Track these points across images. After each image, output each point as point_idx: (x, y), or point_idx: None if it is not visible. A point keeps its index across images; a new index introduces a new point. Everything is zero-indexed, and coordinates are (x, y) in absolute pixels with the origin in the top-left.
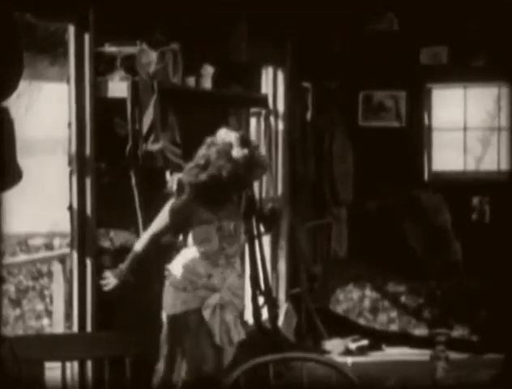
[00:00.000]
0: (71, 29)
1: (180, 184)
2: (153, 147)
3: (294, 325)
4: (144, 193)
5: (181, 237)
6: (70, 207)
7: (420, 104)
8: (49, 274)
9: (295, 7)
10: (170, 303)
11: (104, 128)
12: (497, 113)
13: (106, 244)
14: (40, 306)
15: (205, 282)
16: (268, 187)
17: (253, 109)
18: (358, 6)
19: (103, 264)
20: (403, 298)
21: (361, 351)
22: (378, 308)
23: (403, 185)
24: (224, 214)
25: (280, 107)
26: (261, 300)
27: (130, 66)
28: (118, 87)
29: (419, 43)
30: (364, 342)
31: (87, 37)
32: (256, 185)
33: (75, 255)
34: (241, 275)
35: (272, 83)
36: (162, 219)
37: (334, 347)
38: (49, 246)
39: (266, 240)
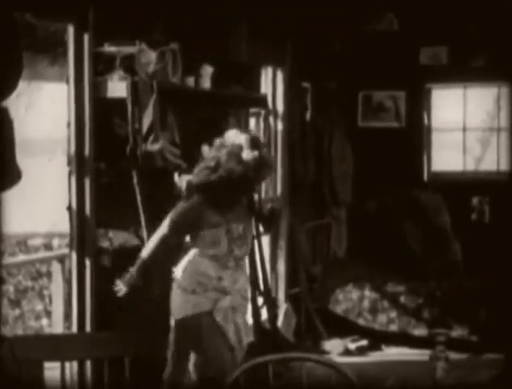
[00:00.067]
0: (71, 29)
1: (189, 186)
2: (152, 147)
3: (293, 325)
4: (145, 193)
5: (188, 239)
6: (69, 208)
7: (419, 105)
8: (49, 274)
9: (295, 7)
10: (180, 306)
11: (103, 128)
12: (497, 114)
13: (105, 244)
14: (39, 306)
15: (215, 284)
16: (267, 187)
17: (252, 109)
18: (358, 6)
19: (102, 264)
20: (402, 298)
21: (361, 351)
22: (378, 308)
23: (403, 186)
24: (232, 216)
25: (280, 107)
26: (260, 300)
27: (130, 65)
28: (118, 87)
29: (418, 43)
30: (364, 342)
31: (86, 37)
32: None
33: (74, 255)
34: (248, 278)
35: (272, 83)
36: (170, 221)
37: (333, 347)
38: (48, 246)
39: (266, 240)
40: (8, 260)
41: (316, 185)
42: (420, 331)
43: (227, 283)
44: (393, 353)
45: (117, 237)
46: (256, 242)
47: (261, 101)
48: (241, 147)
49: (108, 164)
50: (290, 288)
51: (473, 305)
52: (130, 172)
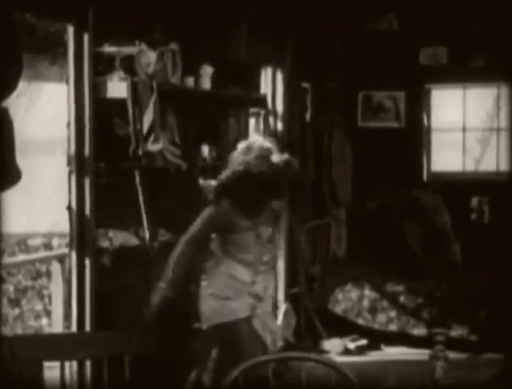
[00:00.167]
0: (70, 29)
1: (217, 191)
2: (153, 147)
3: (293, 325)
4: (146, 193)
5: (214, 245)
6: (69, 207)
7: (419, 105)
8: (48, 274)
9: (295, 7)
10: (215, 312)
11: (103, 128)
12: (497, 114)
13: (105, 244)
14: (39, 306)
15: (250, 289)
16: None
17: (252, 109)
18: (358, 6)
19: (102, 264)
20: (401, 298)
21: (360, 351)
22: (377, 308)
23: (403, 186)
24: (261, 220)
25: (279, 107)
26: None
27: (129, 66)
28: (117, 87)
29: (418, 43)
30: (363, 342)
31: (86, 37)
32: None
33: (74, 255)
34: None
35: (271, 83)
36: (199, 226)
37: (333, 347)
38: (47, 246)
39: None
40: (8, 260)
41: (316, 185)
42: (419, 331)
43: (260, 288)
44: (392, 353)
45: (116, 237)
46: None
47: (260, 101)
48: (270, 151)
49: (108, 164)
50: (290, 288)
51: (473, 304)
52: (131, 172)
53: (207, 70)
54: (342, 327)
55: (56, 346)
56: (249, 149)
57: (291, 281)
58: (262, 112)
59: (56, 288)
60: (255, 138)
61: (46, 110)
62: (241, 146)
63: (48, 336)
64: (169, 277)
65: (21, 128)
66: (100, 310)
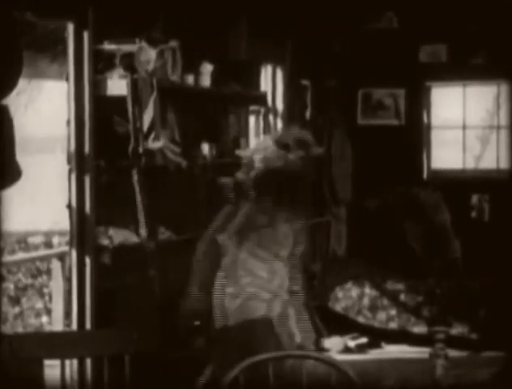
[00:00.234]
0: (70, 27)
1: (237, 188)
2: (154, 145)
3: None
4: (145, 191)
5: (229, 242)
6: (69, 205)
7: (419, 103)
8: (49, 272)
9: (295, 7)
10: (232, 311)
11: (103, 126)
12: (496, 112)
13: (105, 242)
14: (39, 304)
15: (267, 286)
16: None
17: (252, 107)
18: (358, 4)
19: (102, 262)
20: (402, 296)
21: (360, 349)
22: (377, 306)
23: (403, 184)
24: (279, 216)
25: (279, 105)
26: None
27: (129, 64)
28: (117, 85)
29: (418, 41)
30: (364, 340)
31: (86, 35)
32: None
33: (74, 253)
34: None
35: (271, 81)
36: (219, 223)
37: (333, 345)
38: (48, 244)
39: None
40: (8, 258)
41: (315, 183)
42: (419, 329)
43: (276, 285)
44: (393, 351)
45: (117, 235)
46: None
47: (260, 99)
48: (288, 147)
49: (108, 162)
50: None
51: (473, 303)
52: (130, 170)
53: (207, 68)
54: (342, 325)
55: (56, 344)
56: (268, 145)
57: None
58: (262, 110)
59: (56, 287)
60: (276, 134)
61: (46, 108)
62: (262, 141)
63: (48, 334)
64: (197, 278)
65: (21, 126)
66: (100, 308)
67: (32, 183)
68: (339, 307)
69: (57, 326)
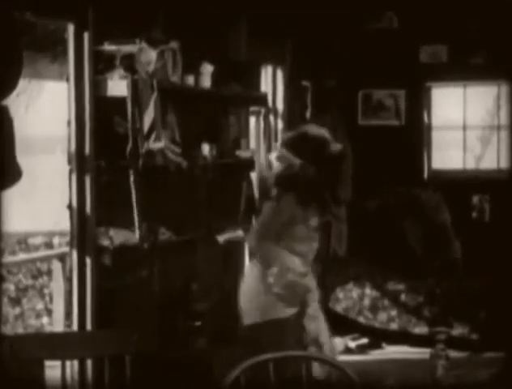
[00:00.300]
0: (71, 28)
1: (278, 184)
2: (155, 145)
3: None
4: (146, 191)
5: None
6: (70, 206)
7: (419, 103)
8: (49, 273)
9: (295, 7)
10: (269, 307)
11: (103, 126)
12: (497, 112)
13: (106, 242)
14: (39, 305)
15: (302, 281)
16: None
17: (252, 108)
18: (358, 4)
19: (103, 263)
20: (402, 297)
21: (361, 349)
22: (378, 306)
23: (403, 184)
24: (312, 211)
25: (280, 105)
26: None
27: (130, 64)
28: (118, 85)
29: (418, 41)
30: (364, 340)
31: (86, 36)
32: (256, 184)
33: (75, 254)
34: None
35: (271, 81)
36: (265, 218)
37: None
38: (48, 245)
39: None
40: (9, 259)
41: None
42: (420, 330)
43: (310, 279)
44: (393, 352)
45: (117, 236)
46: None
47: (261, 100)
48: (326, 141)
49: (109, 163)
50: None
51: (473, 303)
52: (128, 170)
53: (208, 69)
54: (343, 325)
55: (57, 345)
56: (305, 139)
57: None
58: (263, 110)
59: (57, 287)
60: (309, 128)
61: (46, 109)
62: (294, 137)
63: (49, 335)
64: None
65: (21, 126)
66: (100, 309)
67: (33, 183)
68: (339, 308)
69: (58, 326)
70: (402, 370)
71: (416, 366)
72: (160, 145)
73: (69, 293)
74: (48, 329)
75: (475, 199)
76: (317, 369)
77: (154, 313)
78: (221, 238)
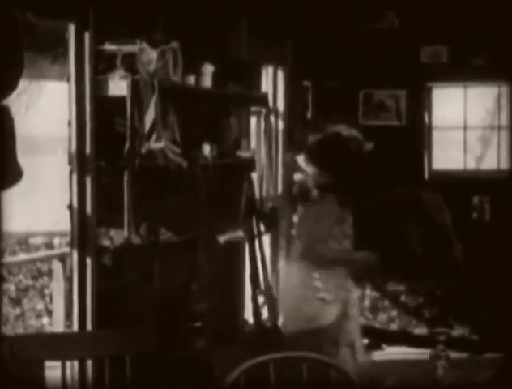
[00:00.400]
0: (71, 28)
1: (320, 187)
2: (156, 145)
3: None
4: (143, 192)
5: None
6: (70, 206)
7: (420, 103)
8: (49, 273)
9: (295, 7)
10: (321, 313)
11: (104, 127)
12: (497, 112)
13: (106, 243)
14: (40, 305)
15: (344, 284)
16: (268, 187)
17: (253, 108)
18: (359, 4)
19: (103, 263)
20: (402, 297)
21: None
22: (378, 307)
23: (403, 184)
24: (349, 210)
25: (280, 106)
26: (261, 299)
27: (131, 64)
28: (118, 85)
29: (419, 42)
30: (364, 341)
31: (87, 36)
32: (256, 184)
33: (75, 254)
34: None
35: (272, 81)
36: (312, 221)
37: None
38: (49, 245)
39: (266, 239)
40: (9, 259)
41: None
42: (420, 330)
43: (349, 284)
44: (393, 352)
45: (118, 236)
46: (257, 241)
47: (262, 100)
48: (360, 142)
49: (109, 163)
50: None
51: (474, 304)
52: (129, 170)
53: (208, 69)
54: None
55: (57, 345)
56: (338, 140)
57: None
58: (264, 110)
59: (57, 288)
60: (339, 129)
61: (47, 109)
62: (324, 137)
63: (49, 336)
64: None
65: (22, 127)
66: (101, 309)
67: (33, 184)
68: None
69: (58, 327)
70: (402, 371)
71: (416, 367)
72: (160, 145)
73: (69, 294)
74: (48, 329)
75: (476, 200)
76: (351, 369)
77: (154, 313)
78: (221, 239)
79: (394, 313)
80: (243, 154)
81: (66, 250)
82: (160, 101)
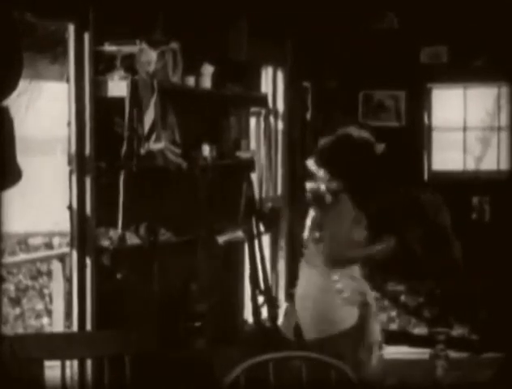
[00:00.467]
0: (71, 28)
1: (334, 191)
2: (155, 146)
3: (293, 324)
4: (137, 193)
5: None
6: (70, 207)
7: (419, 104)
8: (49, 273)
9: (295, 7)
10: (344, 316)
11: (103, 127)
12: (497, 113)
13: (106, 243)
14: (39, 305)
15: (360, 289)
16: (268, 187)
17: (252, 109)
18: (358, 5)
19: (103, 263)
20: (402, 297)
21: None
22: (378, 307)
23: (403, 185)
24: (362, 212)
25: (280, 106)
26: (261, 299)
27: (130, 65)
28: (118, 86)
29: (419, 42)
30: None
31: (86, 36)
32: (256, 184)
33: (75, 254)
34: None
35: (272, 82)
36: (345, 226)
37: None
38: (48, 245)
39: (266, 240)
40: (9, 259)
41: None
42: (420, 330)
43: (365, 285)
44: (393, 352)
45: (117, 236)
46: (256, 242)
47: (261, 101)
48: (372, 144)
49: (109, 164)
50: (290, 288)
51: (473, 304)
52: (125, 171)
53: (208, 70)
54: None
55: (57, 345)
56: (351, 142)
57: (291, 280)
58: (263, 111)
59: (57, 288)
60: (351, 131)
61: (47, 109)
62: (337, 139)
63: (49, 336)
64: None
65: (22, 127)
66: (100, 310)
67: (33, 184)
68: None
69: (58, 327)
70: (401, 371)
71: (415, 367)
72: (160, 146)
73: (69, 294)
74: (48, 329)
75: (475, 200)
76: (372, 371)
77: (154, 313)
78: (221, 239)
79: (393, 312)
80: (242, 155)
81: (66, 250)
82: (160, 102)
